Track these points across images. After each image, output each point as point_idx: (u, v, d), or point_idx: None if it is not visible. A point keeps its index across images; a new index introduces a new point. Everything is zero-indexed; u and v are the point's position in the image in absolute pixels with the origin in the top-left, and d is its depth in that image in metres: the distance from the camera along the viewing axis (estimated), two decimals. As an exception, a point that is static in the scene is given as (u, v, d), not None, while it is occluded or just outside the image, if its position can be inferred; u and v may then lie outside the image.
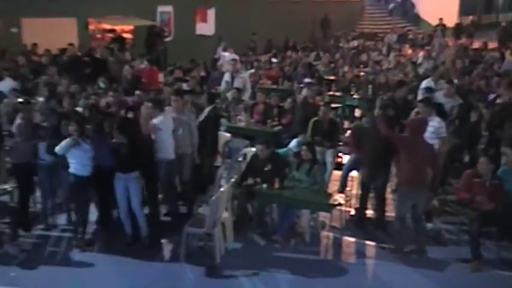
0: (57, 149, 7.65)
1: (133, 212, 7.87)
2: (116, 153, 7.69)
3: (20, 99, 9.01)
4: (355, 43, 25.14)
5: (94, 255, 7.75)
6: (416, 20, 33.16)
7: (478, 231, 7.53)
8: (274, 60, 19.14)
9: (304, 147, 8.54)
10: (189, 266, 7.50)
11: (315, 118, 9.99)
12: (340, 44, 24.49)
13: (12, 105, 10.06)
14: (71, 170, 7.73)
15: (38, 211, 8.78)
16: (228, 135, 10.71)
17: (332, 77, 16.45)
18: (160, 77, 15.44)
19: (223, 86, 13.82)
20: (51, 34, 17.27)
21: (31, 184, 8.44)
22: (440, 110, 9.71)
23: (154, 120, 8.42)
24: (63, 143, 7.59)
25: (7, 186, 8.90)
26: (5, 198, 8.73)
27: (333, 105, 11.89)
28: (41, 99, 10.13)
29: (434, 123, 8.84)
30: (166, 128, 8.50)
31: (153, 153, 8.34)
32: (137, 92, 10.16)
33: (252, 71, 16.10)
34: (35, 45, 16.70)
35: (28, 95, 10.27)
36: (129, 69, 13.83)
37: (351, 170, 9.46)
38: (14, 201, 8.53)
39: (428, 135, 8.41)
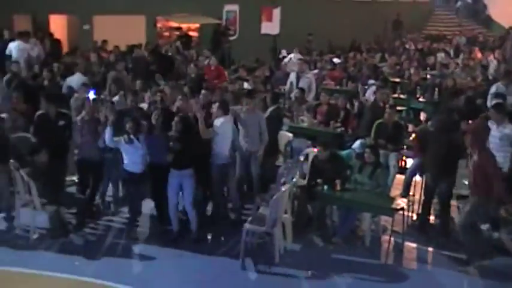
0: (107, 141, 7.89)
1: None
2: (171, 149, 7.82)
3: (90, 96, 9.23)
4: (421, 45, 24.60)
5: (155, 248, 7.89)
6: (488, 22, 32.09)
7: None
8: (336, 60, 18.98)
9: (367, 150, 8.43)
10: (248, 264, 7.54)
11: (379, 120, 9.85)
12: (407, 46, 24.00)
13: (82, 99, 10.33)
14: (124, 165, 8.00)
15: (103, 203, 9.01)
16: (290, 135, 10.70)
17: (397, 79, 16.17)
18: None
19: (288, 85, 13.81)
20: (121, 31, 17.75)
21: (95, 177, 8.65)
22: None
23: (215, 123, 8.49)
24: (116, 138, 7.85)
25: (74, 178, 9.21)
26: (72, 189, 9.03)
27: (398, 107, 11.65)
28: (116, 98, 10.37)
29: (507, 131, 8.49)
30: (223, 133, 8.50)
31: (208, 153, 8.43)
32: (203, 92, 10.21)
33: (316, 71, 16.03)
34: (104, 41, 17.19)
35: (97, 91, 10.54)
36: (194, 68, 14.00)
37: (414, 175, 9.29)
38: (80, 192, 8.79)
39: (499, 143, 8.15)
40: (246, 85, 13.14)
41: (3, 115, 9.49)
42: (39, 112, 8.85)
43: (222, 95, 10.57)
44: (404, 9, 28.59)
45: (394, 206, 8.04)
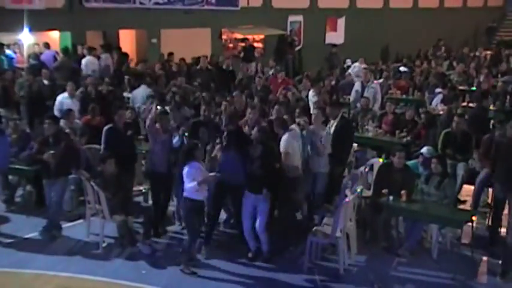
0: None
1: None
2: (251, 173, 7.72)
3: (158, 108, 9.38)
4: (492, 51, 23.87)
5: (220, 262, 7.88)
6: None
7: None
8: (402, 69, 18.68)
9: (434, 160, 8.23)
10: (311, 276, 7.49)
11: (447, 130, 9.61)
12: (477, 53, 23.33)
13: (149, 111, 10.56)
14: (185, 194, 7.59)
15: (171, 213, 9.15)
16: (354, 145, 10.58)
17: (466, 87, 15.74)
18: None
19: (353, 95, 13.70)
20: (187, 43, 18.16)
21: (165, 190, 8.71)
22: None
23: (283, 138, 8.35)
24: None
25: (142, 188, 9.43)
26: (139, 198, 9.25)
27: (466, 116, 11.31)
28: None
29: None
30: (292, 147, 8.36)
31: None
32: (276, 107, 10.10)
33: (381, 80, 15.83)
34: (170, 54, 17.57)
35: (162, 103, 10.75)
36: (259, 80, 14.08)
37: (484, 185, 8.99)
38: (148, 202, 8.96)
39: None
40: (310, 94, 13.08)
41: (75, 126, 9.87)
42: (108, 126, 9.06)
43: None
44: (475, 15, 27.88)
45: (462, 217, 7.82)
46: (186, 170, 7.38)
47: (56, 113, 10.91)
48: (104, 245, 8.21)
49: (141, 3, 17.71)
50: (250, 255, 7.94)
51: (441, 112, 12.56)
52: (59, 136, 8.48)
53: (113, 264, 7.79)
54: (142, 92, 12.37)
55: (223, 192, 8.02)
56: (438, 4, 27.93)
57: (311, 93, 12.84)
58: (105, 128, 9.00)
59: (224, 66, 16.22)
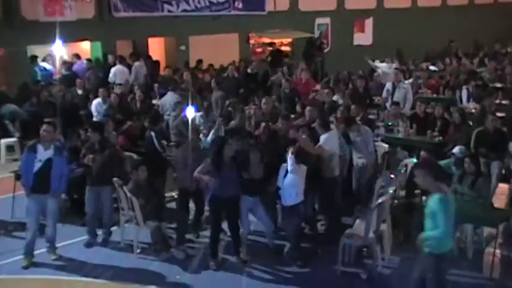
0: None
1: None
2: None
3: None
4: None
5: (251, 266, 7.91)
6: None
7: None
8: (432, 68, 18.47)
9: (467, 160, 8.13)
10: (346, 278, 7.47)
11: (480, 128, 9.49)
12: (509, 49, 22.93)
13: (180, 118, 10.67)
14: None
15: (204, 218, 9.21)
16: (386, 146, 10.52)
17: (499, 85, 15.50)
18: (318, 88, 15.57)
19: (384, 95, 13.63)
20: (216, 49, 18.29)
21: (196, 197, 8.68)
22: None
23: (321, 139, 8.53)
24: None
25: (174, 194, 9.51)
26: (172, 204, 9.32)
27: (499, 114, 11.15)
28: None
29: None
30: (331, 147, 8.55)
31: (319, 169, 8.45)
32: (308, 109, 10.24)
33: (411, 80, 15.70)
34: (199, 61, 17.71)
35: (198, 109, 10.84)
36: (286, 83, 14.08)
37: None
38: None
39: None
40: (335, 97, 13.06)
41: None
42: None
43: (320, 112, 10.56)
44: (502, 10, 27.44)
45: (498, 216, 7.70)
46: None
47: (95, 117, 11.12)
48: (138, 251, 8.30)
49: (169, 11, 17.88)
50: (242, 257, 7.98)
51: (473, 110, 12.40)
52: (104, 144, 8.57)
53: (147, 270, 7.87)
54: (170, 99, 12.49)
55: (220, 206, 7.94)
56: (468, 1, 27.55)
57: (335, 97, 12.88)
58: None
59: (249, 70, 16.29)
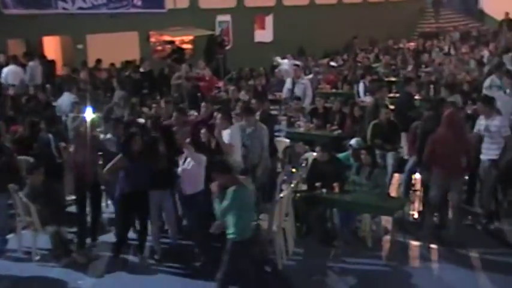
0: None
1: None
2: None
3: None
4: (415, 43, 24.66)
5: (158, 266, 7.83)
6: (481, 16, 32.19)
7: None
8: (332, 63, 19.03)
9: (363, 151, 8.42)
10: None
11: (375, 121, 9.86)
12: (401, 45, 24.03)
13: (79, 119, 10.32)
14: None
15: (104, 220, 9.01)
16: (287, 140, 10.71)
17: (393, 79, 16.19)
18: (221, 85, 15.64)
19: (284, 92, 13.84)
20: (115, 48, 17.85)
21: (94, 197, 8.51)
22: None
23: (224, 134, 8.51)
24: None
25: (74, 197, 9.19)
26: (73, 208, 9.02)
27: (392, 107, 11.63)
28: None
29: (496, 122, 8.47)
30: (235, 142, 8.58)
31: None
32: (203, 104, 10.22)
33: (311, 76, 16.07)
34: (99, 61, 17.23)
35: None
36: (188, 83, 14.01)
37: (413, 173, 9.27)
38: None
39: (489, 134, 8.24)
40: (242, 94, 13.18)
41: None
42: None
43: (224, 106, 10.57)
44: (394, 8, 28.74)
45: (393, 205, 8.04)
46: None
47: None
48: (37, 258, 7.98)
49: (64, 8, 17.29)
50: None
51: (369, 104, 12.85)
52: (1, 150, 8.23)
53: (47, 278, 7.57)
54: (67, 99, 12.06)
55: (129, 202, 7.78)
56: (362, -1, 28.62)
57: (242, 93, 12.97)
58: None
59: (142, 69, 16.08)
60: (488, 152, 8.50)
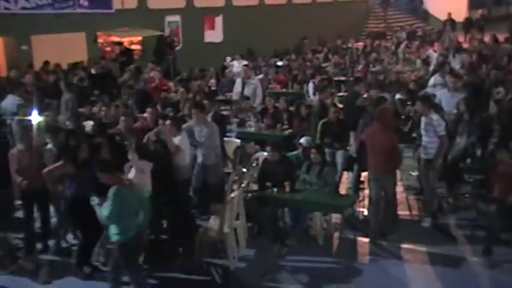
0: None
1: None
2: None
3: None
4: (363, 43, 25.07)
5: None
6: (425, 16, 33.02)
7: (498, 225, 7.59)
8: (279, 63, 19.16)
9: (313, 150, 8.51)
10: (203, 273, 7.53)
11: (324, 120, 9.97)
12: (349, 45, 24.38)
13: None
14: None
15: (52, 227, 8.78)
16: (238, 141, 10.72)
17: (342, 78, 16.42)
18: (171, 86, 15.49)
19: (234, 92, 13.83)
20: (62, 49, 17.45)
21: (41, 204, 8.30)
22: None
23: (175, 141, 8.45)
24: None
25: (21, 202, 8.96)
26: (20, 213, 8.80)
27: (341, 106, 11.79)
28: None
29: (434, 122, 8.55)
30: (183, 144, 8.56)
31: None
32: (148, 110, 10.03)
33: (261, 76, 16.13)
34: (46, 63, 16.80)
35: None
36: (138, 83, 13.84)
37: (361, 170, 9.42)
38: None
39: (427, 131, 8.51)
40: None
41: None
42: None
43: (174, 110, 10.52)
44: (340, 9, 29.16)
45: (343, 203, 8.16)
46: None
47: None
48: (-17, 265, 7.76)
49: (6, 8, 16.78)
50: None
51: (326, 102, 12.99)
52: None
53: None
54: (11, 102, 11.71)
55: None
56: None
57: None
58: None
59: (93, 71, 15.81)
60: (426, 151, 8.64)
